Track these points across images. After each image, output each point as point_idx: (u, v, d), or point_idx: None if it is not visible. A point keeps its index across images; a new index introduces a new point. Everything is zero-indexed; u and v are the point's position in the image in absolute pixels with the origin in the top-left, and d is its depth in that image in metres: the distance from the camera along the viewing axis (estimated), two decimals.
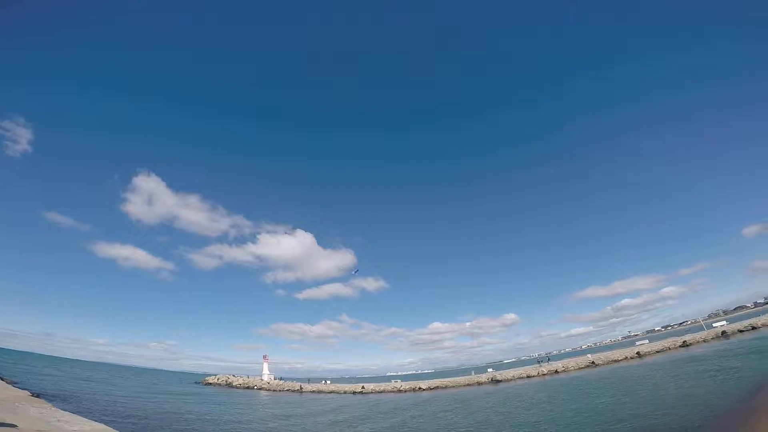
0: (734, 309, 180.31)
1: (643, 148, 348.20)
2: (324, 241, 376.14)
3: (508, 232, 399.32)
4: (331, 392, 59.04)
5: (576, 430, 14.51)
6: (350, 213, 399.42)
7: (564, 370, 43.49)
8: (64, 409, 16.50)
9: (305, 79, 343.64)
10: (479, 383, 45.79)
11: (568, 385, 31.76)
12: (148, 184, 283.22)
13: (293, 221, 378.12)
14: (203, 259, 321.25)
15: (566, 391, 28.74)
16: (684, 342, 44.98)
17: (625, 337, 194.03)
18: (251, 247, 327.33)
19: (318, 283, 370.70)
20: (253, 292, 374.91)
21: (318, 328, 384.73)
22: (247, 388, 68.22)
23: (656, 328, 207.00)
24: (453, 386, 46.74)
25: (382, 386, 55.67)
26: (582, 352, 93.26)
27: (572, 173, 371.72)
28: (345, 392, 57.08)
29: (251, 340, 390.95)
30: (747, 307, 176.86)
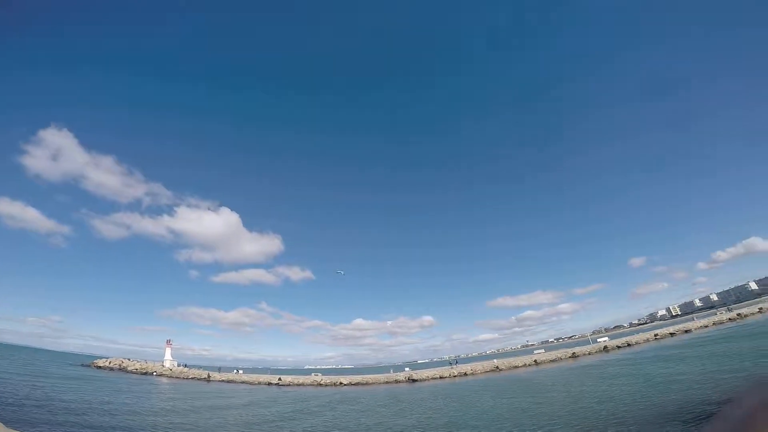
0: (613, 327, 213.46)
1: (553, 181, 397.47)
2: (251, 223, 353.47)
3: (433, 239, 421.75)
4: (243, 383, 56.13)
5: (498, 424, 15.56)
6: (283, 197, 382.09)
7: (472, 373, 46.92)
8: None
9: (249, 39, 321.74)
10: (397, 381, 47.26)
11: (485, 386, 34.17)
12: (56, 138, 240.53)
13: (220, 197, 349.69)
14: (108, 227, 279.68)
15: (486, 390, 30.89)
16: (573, 353, 51.43)
17: (523, 346, 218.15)
18: (167, 220, 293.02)
19: (238, 266, 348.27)
20: (163, 270, 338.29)
21: (232, 315, 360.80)
22: (145, 373, 62.05)
23: (550, 340, 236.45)
24: (373, 383, 47.56)
25: (300, 379, 54.52)
26: (487, 357, 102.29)
27: (495, 195, 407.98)
28: (260, 383, 54.72)
29: (154, 322, 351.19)
30: (623, 327, 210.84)
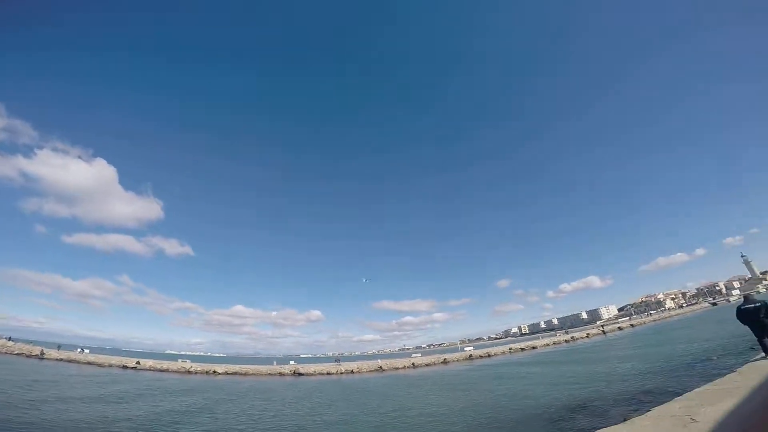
0: (476, 339, 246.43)
1: (450, 202, 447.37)
2: (129, 181, 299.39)
3: (327, 232, 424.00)
4: (88, 363, 47.21)
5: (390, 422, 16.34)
6: (172, 157, 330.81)
7: (358, 371, 48.53)
8: None
9: None
10: (281, 374, 45.80)
11: (371, 383, 35.52)
12: None
13: (96, 147, 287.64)
14: None
15: (374, 388, 32.08)
16: (444, 359, 57.63)
17: (401, 349, 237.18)
18: (23, 162, 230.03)
19: (101, 229, 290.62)
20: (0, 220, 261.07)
21: (81, 285, 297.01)
22: None
23: (423, 345, 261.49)
24: (253, 374, 45.09)
25: (165, 364, 48.25)
26: (369, 357, 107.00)
27: (389, 199, 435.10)
28: (111, 365, 46.72)
29: None
30: (483, 339, 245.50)
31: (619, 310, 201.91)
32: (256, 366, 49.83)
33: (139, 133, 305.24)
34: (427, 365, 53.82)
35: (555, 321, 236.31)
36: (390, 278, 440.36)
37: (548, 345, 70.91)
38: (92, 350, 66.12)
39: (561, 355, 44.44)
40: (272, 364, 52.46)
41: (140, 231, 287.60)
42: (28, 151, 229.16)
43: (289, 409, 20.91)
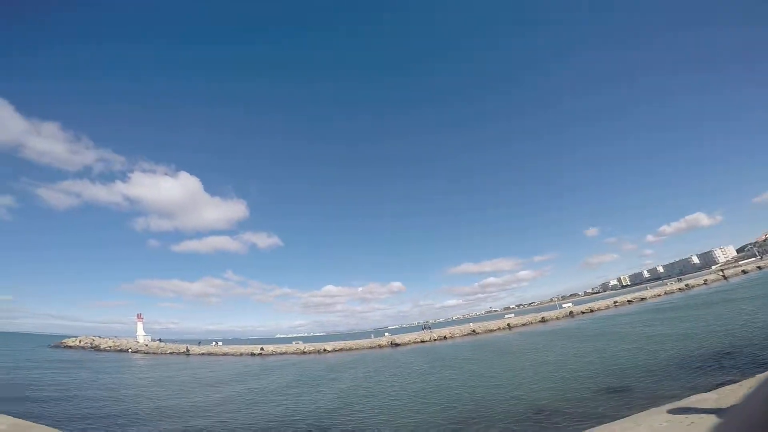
0: (570, 295, 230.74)
1: (517, 153, 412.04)
2: (212, 187, 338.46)
3: (399, 204, 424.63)
4: (225, 354, 55.86)
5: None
6: (245, 159, 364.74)
7: (451, 337, 49.60)
8: None
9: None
10: (380, 346, 49.06)
11: (485, 346, 36.29)
12: None
13: (177, 162, 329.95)
14: (55, 196, 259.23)
15: (497, 347, 32.82)
16: (542, 318, 55.50)
17: (487, 311, 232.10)
18: (120, 186, 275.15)
19: (200, 234, 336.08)
20: (120, 241, 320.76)
21: (197, 286, 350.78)
22: (120, 351, 59.96)
23: (511, 306, 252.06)
24: (357, 348, 49.04)
25: (283, 348, 55.05)
26: (454, 322, 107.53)
27: (460, 164, 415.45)
28: (242, 354, 54.71)
29: (115, 296, 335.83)
30: (578, 295, 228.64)
31: (738, 251, 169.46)
32: (357, 341, 53.97)
33: (210, 143, 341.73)
34: (523, 325, 52.64)
35: (660, 269, 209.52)
36: (467, 239, 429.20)
37: (659, 295, 63.66)
38: (225, 342, 77.51)
39: (680, 305, 39.91)
40: (370, 337, 56.29)
41: (232, 230, 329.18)
42: (123, 176, 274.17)
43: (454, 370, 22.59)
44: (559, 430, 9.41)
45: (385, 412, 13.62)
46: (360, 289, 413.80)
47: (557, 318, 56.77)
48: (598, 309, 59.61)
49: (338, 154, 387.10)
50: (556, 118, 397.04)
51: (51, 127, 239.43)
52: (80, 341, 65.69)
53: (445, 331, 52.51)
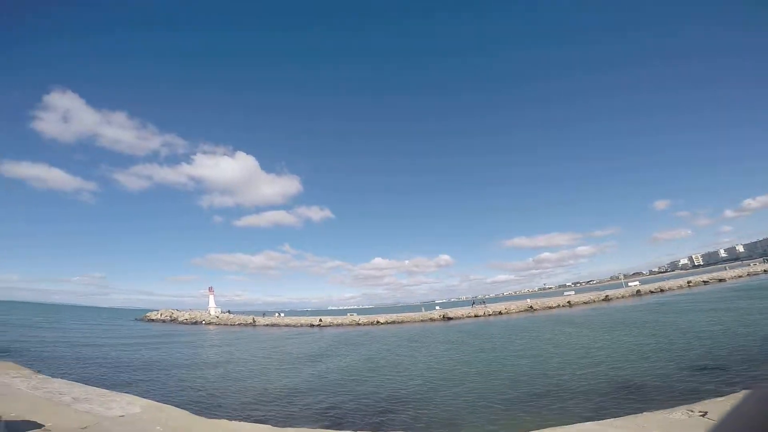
0: (632, 274, 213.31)
1: (581, 117, 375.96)
2: (267, 165, 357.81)
3: (449, 175, 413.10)
4: (287, 326, 59.77)
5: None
6: (297, 137, 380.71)
7: (507, 312, 48.60)
8: (53, 376, 11.10)
9: None
10: (432, 319, 49.61)
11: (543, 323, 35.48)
12: (62, 101, 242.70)
13: (234, 142, 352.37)
14: (130, 179, 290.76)
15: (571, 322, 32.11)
16: (606, 296, 52.24)
17: (540, 289, 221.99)
18: (186, 168, 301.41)
19: (259, 209, 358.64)
20: (188, 218, 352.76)
21: (258, 259, 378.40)
22: (195, 323, 66.20)
23: (567, 283, 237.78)
24: (409, 321, 50.05)
25: (339, 319, 57.77)
26: (506, 298, 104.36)
27: (510, 128, 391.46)
28: (301, 325, 58.26)
29: (186, 271, 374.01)
30: (642, 274, 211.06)
31: None
32: (408, 314, 54.98)
33: (263, 123, 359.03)
34: (585, 303, 50.05)
35: (739, 248, 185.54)
36: (521, 211, 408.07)
37: (741, 276, 56.74)
38: (286, 313, 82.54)
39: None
40: (420, 310, 57.02)
41: (287, 204, 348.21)
42: (187, 159, 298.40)
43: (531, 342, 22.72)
44: (651, 403, 8.91)
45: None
46: (407, 262, 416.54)
47: (623, 297, 53.13)
48: (669, 289, 54.81)
49: (387, 128, 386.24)
50: (622, 79, 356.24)
51: (119, 117, 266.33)
52: (161, 314, 73.95)
53: (500, 307, 51.62)
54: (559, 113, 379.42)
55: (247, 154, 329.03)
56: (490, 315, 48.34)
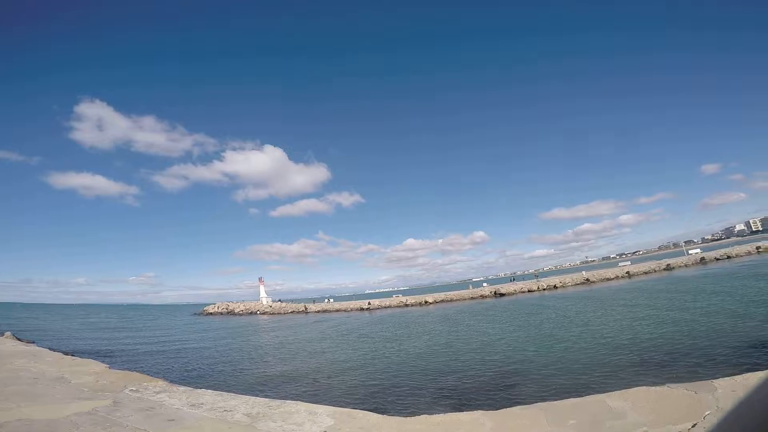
0: (684, 243, 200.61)
1: (614, 77, 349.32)
2: (295, 155, 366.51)
3: (480, 148, 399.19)
4: (338, 311, 61.42)
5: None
6: (321, 125, 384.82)
7: (562, 286, 47.48)
8: (172, 382, 9.72)
9: None
10: (483, 296, 49.41)
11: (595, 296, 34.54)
12: (93, 110, 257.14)
13: (261, 136, 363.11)
14: (168, 180, 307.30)
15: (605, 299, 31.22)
16: (668, 265, 49.69)
17: (583, 262, 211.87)
18: (218, 165, 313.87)
19: (292, 199, 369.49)
20: (227, 213, 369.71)
21: (295, 247, 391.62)
22: (250, 314, 68.64)
23: (611, 256, 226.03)
24: (458, 299, 50.16)
25: (387, 301, 58.80)
26: (545, 274, 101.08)
27: (544, 96, 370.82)
28: (352, 309, 59.70)
29: (230, 263, 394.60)
30: (695, 242, 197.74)
31: None
32: (457, 292, 55.03)
33: (286, 115, 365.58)
34: (645, 273, 47.90)
35: None
36: (559, 180, 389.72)
37: None
38: (335, 299, 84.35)
39: None
40: (467, 288, 56.96)
41: (318, 192, 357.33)
42: (218, 156, 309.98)
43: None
44: None
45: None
46: (440, 241, 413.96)
47: (685, 266, 50.33)
48: (737, 255, 51.25)
49: (411, 107, 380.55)
50: (663, 38, 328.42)
51: (149, 121, 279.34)
52: (218, 307, 78.09)
53: (554, 280, 50.47)
54: (592, 69, 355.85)
55: (275, 146, 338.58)
56: (544, 289, 47.43)
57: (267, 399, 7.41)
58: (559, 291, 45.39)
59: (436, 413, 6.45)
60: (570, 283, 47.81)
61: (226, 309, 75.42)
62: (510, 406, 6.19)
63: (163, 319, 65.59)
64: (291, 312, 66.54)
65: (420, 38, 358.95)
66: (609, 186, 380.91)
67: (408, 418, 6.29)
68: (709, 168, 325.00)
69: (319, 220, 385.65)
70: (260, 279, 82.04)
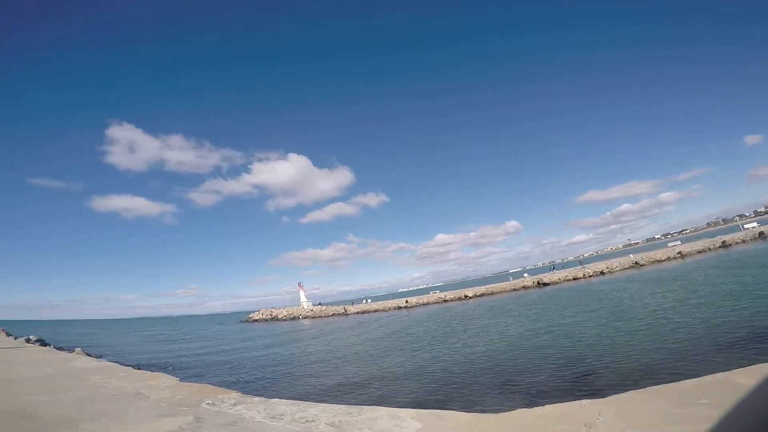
0: (734, 217, 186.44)
1: (644, 48, 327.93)
2: (319, 161, 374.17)
3: (507, 133, 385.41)
4: (376, 311, 62.01)
5: None
6: (341, 130, 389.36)
7: (609, 271, 45.72)
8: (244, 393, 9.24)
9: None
10: (525, 287, 48.41)
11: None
12: (122, 132, 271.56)
13: (284, 146, 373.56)
14: (202, 197, 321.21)
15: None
16: (723, 242, 46.67)
17: (625, 246, 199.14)
18: (247, 177, 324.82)
19: (320, 204, 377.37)
20: (260, 223, 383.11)
21: (327, 252, 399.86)
22: (293, 318, 70.62)
23: (656, 236, 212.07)
24: (499, 291, 49.38)
25: (425, 299, 58.79)
26: (587, 260, 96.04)
27: (569, 75, 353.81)
28: (390, 309, 60.16)
29: (267, 271, 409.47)
30: (747, 216, 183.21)
31: None
32: (498, 284, 54.18)
33: (306, 123, 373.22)
34: (699, 252, 45.23)
35: None
36: (592, 158, 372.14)
37: None
38: (371, 299, 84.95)
39: None
40: (507, 279, 55.96)
41: (344, 195, 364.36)
42: (245, 169, 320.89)
43: None
44: None
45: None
46: (472, 234, 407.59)
47: (743, 241, 47.04)
48: None
49: (429, 105, 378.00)
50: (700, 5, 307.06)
51: (176, 139, 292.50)
52: (262, 314, 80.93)
53: (600, 266, 48.69)
54: (626, 45, 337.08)
55: (299, 154, 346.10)
56: (590, 276, 45.89)
57: (344, 406, 7.19)
58: (606, 277, 43.77)
59: (521, 408, 6.09)
60: (618, 268, 45.97)
61: (270, 315, 78.08)
62: (598, 396, 5.79)
63: (213, 328, 68.74)
64: (332, 315, 67.67)
65: (440, 37, 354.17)
66: (645, 164, 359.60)
67: (506, 413, 5.95)
68: (752, 139, 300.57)
69: (347, 223, 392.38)
70: (300, 284, 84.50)
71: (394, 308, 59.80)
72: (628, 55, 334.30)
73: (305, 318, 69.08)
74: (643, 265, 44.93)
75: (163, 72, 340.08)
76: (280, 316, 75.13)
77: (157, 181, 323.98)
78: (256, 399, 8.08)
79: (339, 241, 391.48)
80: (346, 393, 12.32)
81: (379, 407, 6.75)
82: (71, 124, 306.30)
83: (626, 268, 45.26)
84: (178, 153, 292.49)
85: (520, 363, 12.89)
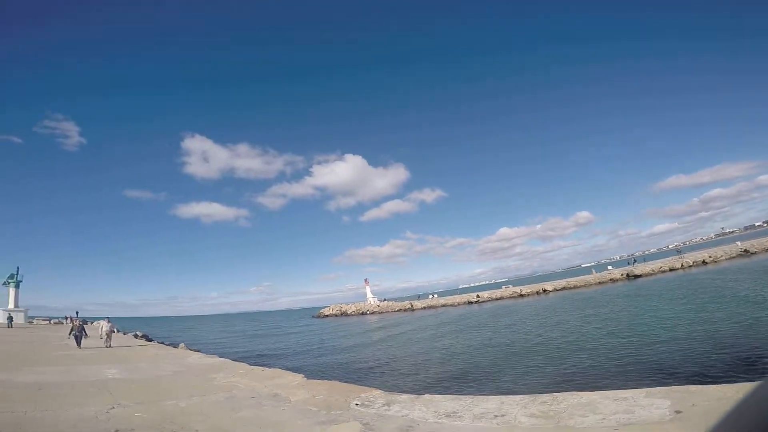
0: None
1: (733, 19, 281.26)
2: (374, 159, 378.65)
3: (576, 111, 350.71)
4: (443, 306, 61.70)
5: None
6: (391, 127, 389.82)
7: (712, 261, 41.17)
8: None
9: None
10: (612, 280, 45.30)
11: None
12: (196, 144, 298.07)
13: (340, 147, 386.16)
14: (270, 200, 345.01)
15: None
16: None
17: (718, 235, 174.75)
18: (309, 180, 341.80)
19: (377, 203, 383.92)
20: (322, 223, 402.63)
21: (386, 249, 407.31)
22: (361, 314, 71.91)
23: (756, 224, 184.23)
24: (583, 285, 46.74)
25: (498, 293, 57.38)
26: (670, 253, 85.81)
27: (650, 46, 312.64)
28: (459, 304, 59.48)
29: (332, 269, 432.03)
30: None
31: None
32: (582, 277, 51.36)
33: (358, 122, 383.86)
34: None
35: None
36: (676, 141, 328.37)
37: None
38: (422, 296, 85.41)
39: None
40: (590, 272, 52.67)
41: (400, 193, 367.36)
42: (307, 172, 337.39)
43: None
44: None
45: None
46: (538, 226, 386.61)
47: None
48: None
49: (482, 89, 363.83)
50: None
51: (243, 148, 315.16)
52: (332, 310, 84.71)
53: (703, 254, 43.99)
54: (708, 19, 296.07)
55: (354, 154, 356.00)
56: (690, 266, 41.73)
57: (528, 396, 6.22)
58: (710, 267, 39.48)
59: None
60: (723, 257, 41.21)
61: (340, 311, 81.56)
62: None
63: (289, 322, 73.65)
64: (398, 310, 67.84)
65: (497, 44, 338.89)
66: (737, 143, 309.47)
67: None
68: None
69: (404, 220, 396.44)
70: (366, 280, 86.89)
71: (464, 303, 58.89)
72: (711, 28, 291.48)
73: (372, 314, 69.47)
74: (755, 253, 39.73)
75: (226, 85, 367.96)
76: (349, 312, 78.14)
77: (229, 187, 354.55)
78: (405, 396, 7.33)
79: (397, 238, 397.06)
80: (471, 384, 11.63)
81: (581, 392, 5.93)
82: (154, 137, 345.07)
83: (733, 257, 40.41)
84: (246, 160, 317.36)
85: (645, 351, 12.21)
